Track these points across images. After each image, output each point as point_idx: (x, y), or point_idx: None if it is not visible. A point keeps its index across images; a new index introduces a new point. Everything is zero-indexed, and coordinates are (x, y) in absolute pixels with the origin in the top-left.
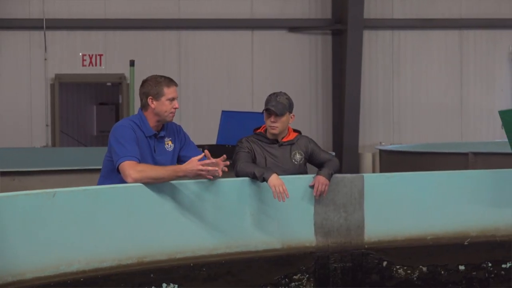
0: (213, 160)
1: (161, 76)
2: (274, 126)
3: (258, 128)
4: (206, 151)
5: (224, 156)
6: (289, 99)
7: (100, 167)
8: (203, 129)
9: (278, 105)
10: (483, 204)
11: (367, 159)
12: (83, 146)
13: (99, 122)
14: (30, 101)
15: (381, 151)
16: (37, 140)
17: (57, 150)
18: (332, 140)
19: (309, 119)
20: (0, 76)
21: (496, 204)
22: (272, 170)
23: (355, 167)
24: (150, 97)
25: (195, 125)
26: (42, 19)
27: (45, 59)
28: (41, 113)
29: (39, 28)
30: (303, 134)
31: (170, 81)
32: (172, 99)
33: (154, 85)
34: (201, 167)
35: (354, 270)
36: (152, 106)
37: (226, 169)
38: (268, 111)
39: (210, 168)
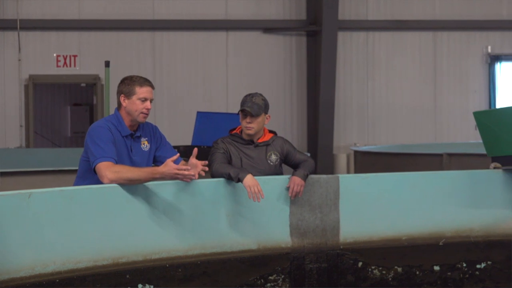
0: (188, 166)
1: (138, 76)
2: (250, 126)
3: (234, 129)
4: (195, 149)
5: (206, 162)
6: (264, 100)
7: (74, 168)
8: (178, 130)
9: (253, 106)
10: (457, 205)
11: (341, 160)
12: (57, 147)
13: (73, 123)
14: (4, 102)
15: (355, 152)
16: (11, 141)
17: (31, 151)
18: (306, 141)
19: (283, 120)
20: None
21: (471, 204)
22: (247, 171)
23: (329, 168)
24: (123, 95)
25: (170, 126)
26: (16, 20)
27: (19, 60)
28: (15, 114)
29: (13, 28)
30: (277, 135)
31: (144, 81)
32: (144, 100)
33: (128, 84)
34: (176, 171)
35: (330, 270)
36: (124, 104)
37: (203, 173)
38: (244, 112)
39: (186, 172)
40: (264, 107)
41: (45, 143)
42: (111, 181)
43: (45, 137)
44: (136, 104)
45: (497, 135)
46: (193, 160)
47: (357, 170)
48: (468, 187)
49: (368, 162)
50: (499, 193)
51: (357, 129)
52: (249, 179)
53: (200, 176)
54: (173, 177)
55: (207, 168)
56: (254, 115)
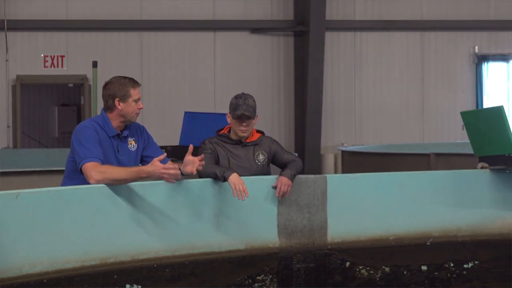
0: (175, 166)
1: (125, 77)
2: (246, 130)
3: (221, 130)
4: (191, 146)
5: (202, 156)
6: (254, 100)
7: (62, 168)
8: (166, 130)
9: (249, 109)
10: (445, 205)
11: (329, 160)
12: (44, 147)
13: (61, 123)
14: None
15: (343, 152)
16: None
17: (18, 152)
18: (294, 141)
19: (271, 120)
20: None
21: (458, 204)
22: (233, 170)
23: (317, 168)
24: (117, 99)
25: (157, 126)
26: (4, 20)
27: (7, 60)
28: (2, 114)
29: (0, 29)
30: (265, 134)
31: (134, 82)
32: (138, 100)
33: (120, 87)
34: (163, 171)
35: (317, 270)
36: (119, 107)
37: (200, 167)
38: (243, 116)
39: (172, 171)
40: (256, 108)
41: (32, 144)
42: (97, 182)
43: (32, 138)
44: (132, 106)
45: (484, 135)
46: (189, 157)
47: (345, 170)
48: (456, 187)
49: (356, 162)
50: (486, 193)
51: (344, 129)
52: (234, 177)
53: (189, 176)
54: (159, 176)
55: (203, 163)
56: (251, 118)
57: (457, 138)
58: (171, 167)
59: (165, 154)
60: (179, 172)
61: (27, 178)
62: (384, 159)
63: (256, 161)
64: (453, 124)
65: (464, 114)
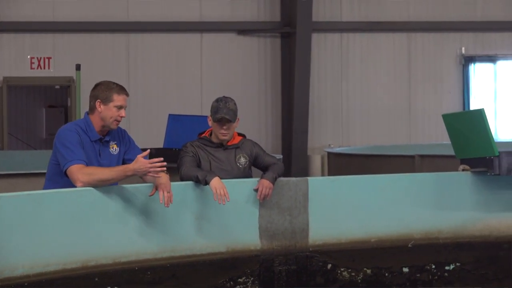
0: (160, 159)
1: (114, 83)
2: (227, 133)
3: (202, 133)
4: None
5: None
6: (235, 103)
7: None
8: (152, 132)
9: (229, 112)
10: (426, 207)
11: (316, 161)
12: (32, 149)
13: (48, 124)
14: None
15: (329, 153)
16: None
17: (5, 153)
18: (281, 142)
19: (258, 122)
20: None
21: (440, 206)
22: (214, 174)
23: (304, 170)
24: (99, 100)
25: (143, 129)
26: None
27: None
28: None
29: None
30: (252, 136)
31: (121, 89)
32: (120, 107)
33: (105, 90)
34: (149, 165)
35: (299, 272)
36: (99, 109)
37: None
38: (224, 120)
39: (158, 164)
40: (237, 111)
41: (19, 145)
42: (84, 184)
43: (19, 139)
44: (112, 111)
45: (465, 138)
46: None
47: (331, 172)
48: (437, 189)
49: (341, 163)
50: (468, 195)
51: (331, 130)
52: (215, 181)
53: (170, 178)
54: (144, 172)
55: (164, 163)
56: (232, 121)
57: (444, 139)
58: (157, 160)
59: (148, 151)
60: (164, 163)
61: (11, 180)
62: (369, 161)
63: (238, 164)
64: (440, 125)
65: (445, 117)
